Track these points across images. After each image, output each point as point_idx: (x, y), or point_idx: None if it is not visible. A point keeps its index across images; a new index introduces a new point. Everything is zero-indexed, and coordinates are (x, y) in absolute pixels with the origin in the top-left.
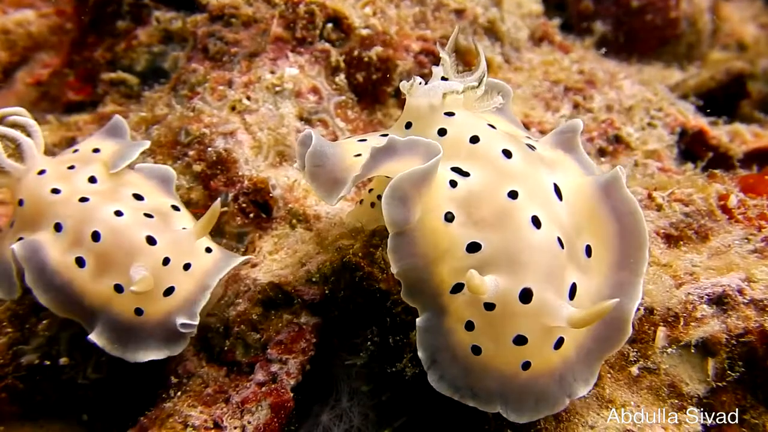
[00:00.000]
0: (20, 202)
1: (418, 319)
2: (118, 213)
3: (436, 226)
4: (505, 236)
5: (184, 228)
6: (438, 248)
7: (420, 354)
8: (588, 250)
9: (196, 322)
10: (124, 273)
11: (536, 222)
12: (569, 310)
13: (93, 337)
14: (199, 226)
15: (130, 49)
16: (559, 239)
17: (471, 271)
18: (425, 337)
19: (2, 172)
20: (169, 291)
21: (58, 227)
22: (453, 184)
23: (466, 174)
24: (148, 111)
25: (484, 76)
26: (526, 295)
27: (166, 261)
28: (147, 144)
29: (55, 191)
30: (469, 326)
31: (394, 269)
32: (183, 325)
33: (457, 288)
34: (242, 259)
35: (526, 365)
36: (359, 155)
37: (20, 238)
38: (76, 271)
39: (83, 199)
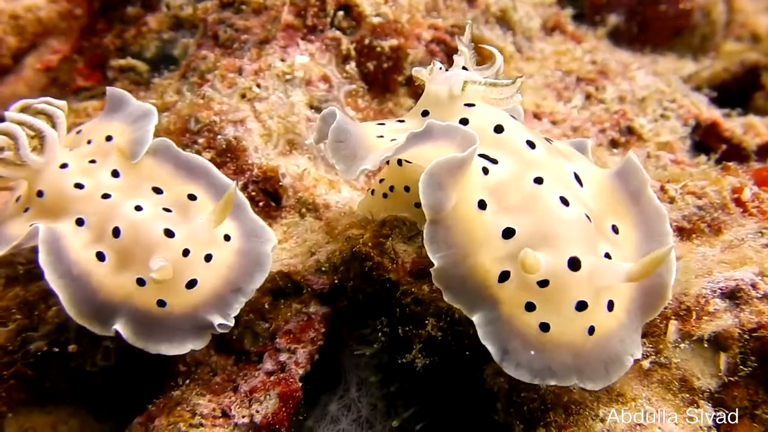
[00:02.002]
0: (39, 193)
1: (474, 318)
2: (138, 208)
3: (471, 213)
4: (537, 217)
5: (201, 219)
6: (474, 238)
7: (490, 349)
8: (614, 229)
9: (232, 323)
10: (145, 266)
11: (564, 201)
12: (624, 266)
13: (118, 327)
14: (215, 215)
15: (139, 35)
16: (586, 216)
17: (525, 250)
18: (489, 330)
19: (21, 166)
20: (191, 284)
21: (80, 222)
22: (485, 171)
23: (494, 161)
24: (157, 98)
25: (500, 70)
26: (574, 264)
27: (186, 252)
28: (154, 113)
29: (79, 186)
30: (530, 307)
31: (434, 262)
32: (221, 326)
33: (504, 276)
34: (272, 243)
35: (591, 330)
36: (381, 136)
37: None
38: (95, 264)
39: (105, 196)
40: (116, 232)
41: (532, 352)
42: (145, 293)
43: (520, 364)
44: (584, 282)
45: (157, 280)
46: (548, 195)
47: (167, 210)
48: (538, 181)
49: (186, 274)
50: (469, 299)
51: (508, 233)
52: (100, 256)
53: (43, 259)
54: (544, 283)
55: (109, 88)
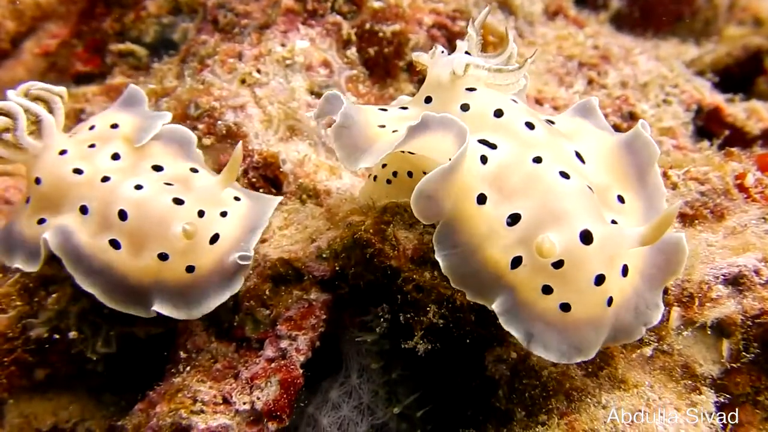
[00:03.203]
0: (37, 181)
1: (494, 307)
2: (138, 187)
3: (470, 211)
4: (540, 196)
5: (209, 180)
6: (478, 234)
7: (515, 334)
8: (620, 199)
9: (252, 253)
10: (163, 241)
11: (564, 175)
12: (636, 230)
13: (156, 308)
14: (224, 175)
15: (138, 20)
16: (588, 187)
17: (540, 237)
18: (510, 318)
19: (20, 149)
20: (214, 239)
21: (84, 210)
22: (484, 160)
23: (493, 146)
24: (157, 83)
25: (512, 56)
26: (586, 237)
27: (201, 213)
28: (168, 116)
29: (78, 171)
30: (547, 290)
31: (440, 262)
32: (242, 257)
33: (516, 262)
34: (277, 200)
35: (610, 301)
36: (383, 126)
37: (42, 220)
38: (112, 253)
39: (105, 179)
40: (122, 215)
41: (556, 334)
42: (172, 265)
43: (547, 346)
44: (599, 254)
45: (187, 236)
46: (548, 172)
47: (168, 184)
48: (537, 160)
49: (208, 231)
50: (487, 292)
51: (513, 219)
52: (114, 244)
53: (68, 267)
54: (558, 264)
55: (131, 86)
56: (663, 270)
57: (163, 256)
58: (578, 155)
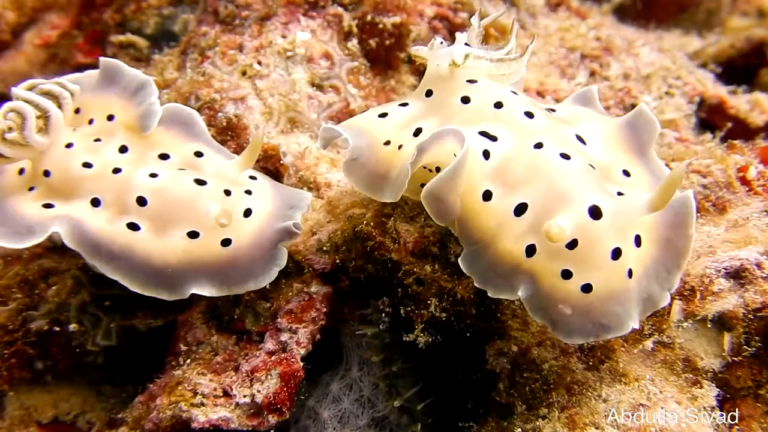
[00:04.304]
0: (46, 173)
1: (520, 294)
2: (153, 175)
3: (477, 208)
4: (543, 181)
5: (229, 163)
6: (488, 229)
7: (540, 321)
8: (626, 173)
9: (300, 222)
10: (191, 219)
11: (565, 156)
12: (643, 197)
13: (196, 291)
14: (243, 158)
15: (139, 11)
16: (590, 165)
17: (547, 224)
18: (533, 305)
19: (26, 147)
20: (247, 213)
21: (95, 202)
22: (486, 155)
23: (493, 138)
24: (158, 75)
25: (511, 53)
26: (595, 212)
27: (227, 192)
28: (151, 83)
29: (87, 165)
30: (566, 274)
31: (461, 265)
32: (296, 225)
33: (530, 250)
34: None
35: (630, 272)
36: (388, 143)
37: (49, 204)
38: (131, 235)
39: (116, 171)
40: (142, 201)
41: (580, 317)
42: (205, 242)
43: (573, 330)
44: (611, 227)
45: (226, 224)
46: (549, 156)
47: (181, 170)
48: (538, 146)
49: (239, 206)
50: (507, 284)
51: (521, 209)
52: (133, 226)
53: (87, 258)
54: (572, 245)
55: (102, 59)
56: (678, 231)
57: (193, 234)
58: (579, 138)
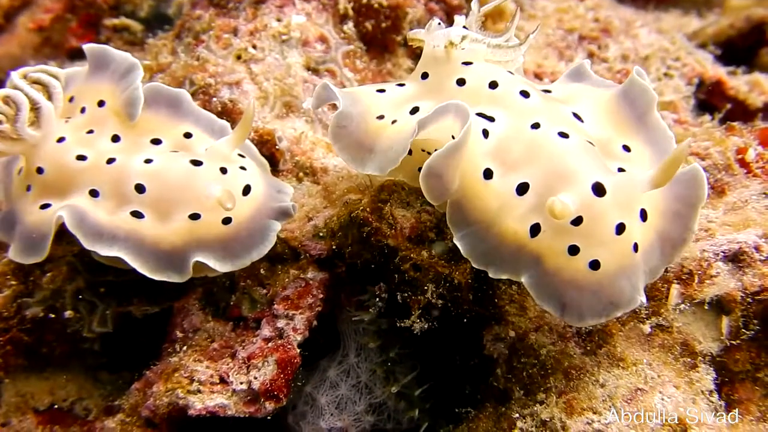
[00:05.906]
0: (39, 170)
1: (523, 280)
2: (148, 161)
3: (478, 187)
4: (544, 160)
5: (220, 141)
6: (490, 209)
7: (548, 307)
8: (626, 149)
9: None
10: (192, 202)
11: (563, 135)
12: (646, 173)
13: (201, 259)
14: (236, 134)
15: None
16: (589, 143)
17: (550, 199)
18: (540, 290)
19: (18, 140)
20: (246, 190)
21: (94, 193)
22: (485, 134)
23: (491, 119)
24: (152, 59)
25: (510, 39)
26: (598, 189)
27: (224, 170)
28: (138, 66)
29: (81, 158)
30: (573, 250)
31: (458, 245)
32: (293, 206)
33: (535, 230)
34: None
35: (636, 246)
36: (381, 117)
37: (46, 205)
38: (136, 222)
39: (110, 161)
40: (140, 189)
41: (590, 296)
42: (207, 222)
43: (583, 313)
44: (614, 203)
45: (231, 208)
46: (547, 135)
47: (174, 152)
48: (536, 126)
49: (238, 183)
50: (511, 265)
51: (523, 188)
52: (137, 215)
53: (86, 243)
54: (577, 221)
55: (86, 46)
56: (687, 201)
57: (194, 216)
58: (576, 116)
